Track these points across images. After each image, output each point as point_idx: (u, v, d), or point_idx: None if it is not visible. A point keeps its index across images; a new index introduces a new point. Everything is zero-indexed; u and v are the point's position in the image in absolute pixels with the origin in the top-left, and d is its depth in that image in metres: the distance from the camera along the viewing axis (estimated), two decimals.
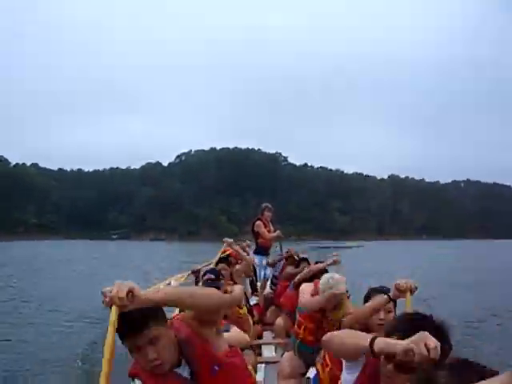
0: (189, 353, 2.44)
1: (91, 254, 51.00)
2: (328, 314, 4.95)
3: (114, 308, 1.98)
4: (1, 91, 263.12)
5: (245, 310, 5.81)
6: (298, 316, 5.32)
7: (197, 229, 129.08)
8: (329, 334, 2.62)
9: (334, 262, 6.77)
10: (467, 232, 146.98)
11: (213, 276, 5.29)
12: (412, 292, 3.28)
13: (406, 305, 3.18)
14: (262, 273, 9.88)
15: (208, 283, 4.90)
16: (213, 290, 2.51)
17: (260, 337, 7.43)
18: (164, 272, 29.26)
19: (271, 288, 9.32)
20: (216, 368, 2.45)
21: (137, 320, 2.20)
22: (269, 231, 10.03)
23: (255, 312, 7.72)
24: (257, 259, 9.93)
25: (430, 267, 32.42)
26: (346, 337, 2.44)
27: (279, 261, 9.51)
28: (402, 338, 2.00)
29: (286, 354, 5.50)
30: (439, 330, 2.20)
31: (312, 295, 5.13)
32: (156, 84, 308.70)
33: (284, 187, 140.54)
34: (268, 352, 6.69)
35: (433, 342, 1.86)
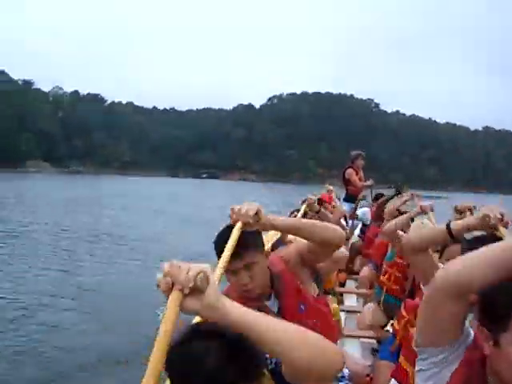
0: (279, 287, 2.49)
1: (186, 191, 53.80)
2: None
3: (239, 224, 2.10)
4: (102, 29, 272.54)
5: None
6: (384, 265, 5.16)
7: (286, 172, 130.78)
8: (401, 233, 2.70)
9: (423, 209, 6.46)
10: None
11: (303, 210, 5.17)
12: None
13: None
14: (350, 222, 9.53)
15: None
16: (329, 224, 2.55)
17: (343, 285, 7.35)
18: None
19: (359, 236, 9.09)
20: (302, 307, 2.50)
21: (238, 244, 2.17)
22: (360, 179, 9.94)
23: None
24: (346, 206, 9.75)
25: None
26: (422, 230, 2.56)
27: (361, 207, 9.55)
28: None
29: (369, 304, 5.39)
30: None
31: None
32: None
33: (374, 134, 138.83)
34: (349, 301, 6.59)
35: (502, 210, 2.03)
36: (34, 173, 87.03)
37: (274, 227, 2.35)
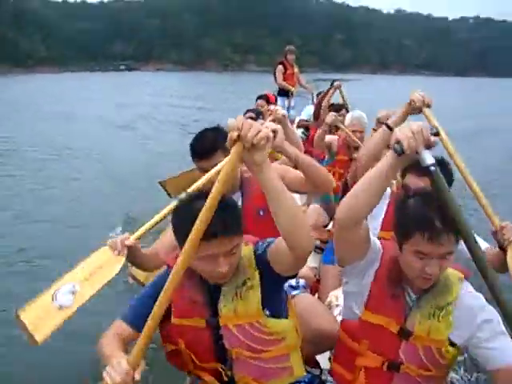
0: (246, 189, 2.81)
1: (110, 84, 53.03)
2: (356, 154, 4.90)
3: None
4: None
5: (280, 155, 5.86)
6: (327, 167, 4.99)
7: (202, 59, 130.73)
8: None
9: (336, 88, 7.13)
10: (469, 70, 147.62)
11: (253, 115, 5.35)
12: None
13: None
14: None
15: None
16: (328, 173, 2.74)
17: None
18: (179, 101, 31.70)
19: (304, 134, 8.90)
20: (261, 213, 2.72)
21: (208, 146, 2.46)
22: (291, 74, 10.10)
23: None
24: (279, 101, 9.86)
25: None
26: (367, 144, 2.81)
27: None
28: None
29: (313, 205, 5.46)
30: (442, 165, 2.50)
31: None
32: None
33: (288, 18, 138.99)
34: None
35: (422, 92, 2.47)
36: None
37: (286, 152, 2.46)
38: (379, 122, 3.53)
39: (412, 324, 2.19)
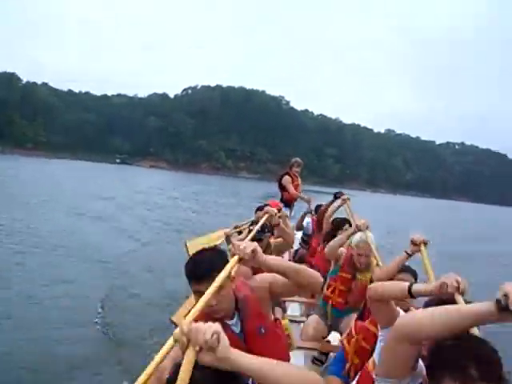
0: (243, 310, 2.66)
1: (103, 176, 54.32)
2: (358, 275, 5.06)
3: (236, 257, 2.29)
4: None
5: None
6: (328, 280, 5.29)
7: (196, 161, 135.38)
8: (372, 284, 2.85)
9: (344, 202, 6.82)
10: (453, 194, 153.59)
11: (261, 236, 5.26)
12: (426, 244, 3.40)
13: (422, 256, 3.26)
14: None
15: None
16: (315, 273, 2.66)
17: None
18: (180, 203, 31.76)
19: (300, 245, 9.21)
20: (262, 330, 2.66)
21: (205, 268, 2.41)
22: (297, 185, 9.98)
23: None
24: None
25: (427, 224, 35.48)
26: (388, 284, 2.70)
27: (304, 216, 9.69)
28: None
29: (312, 317, 5.48)
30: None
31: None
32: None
33: (282, 130, 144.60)
34: (292, 310, 6.68)
35: (461, 278, 2.21)
36: None
37: (267, 266, 2.46)
38: (412, 242, 3.50)
39: None
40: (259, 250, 2.33)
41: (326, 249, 5.33)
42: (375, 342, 3.08)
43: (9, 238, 14.25)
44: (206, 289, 2.15)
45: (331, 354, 4.67)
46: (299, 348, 4.81)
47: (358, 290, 4.96)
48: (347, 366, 3.70)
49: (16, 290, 9.78)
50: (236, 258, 2.28)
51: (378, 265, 4.55)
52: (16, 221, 17.32)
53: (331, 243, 5.19)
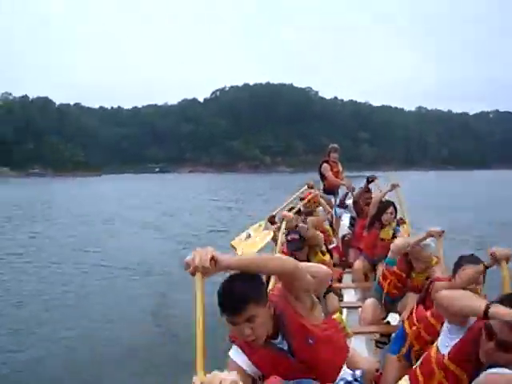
0: (285, 327, 2.51)
1: (150, 187, 55.02)
2: (413, 274, 4.97)
3: (198, 275, 1.99)
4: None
5: (327, 255, 6.11)
6: (384, 268, 5.26)
7: (233, 161, 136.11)
8: (444, 291, 2.76)
9: (393, 187, 6.94)
10: (493, 164, 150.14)
11: (297, 236, 5.45)
12: (508, 261, 3.04)
13: (502, 274, 2.97)
14: (334, 210, 9.49)
15: (291, 244, 5.43)
16: (287, 260, 2.44)
17: (340, 280, 7.25)
18: (217, 210, 30.55)
19: (350, 229, 8.92)
20: (310, 341, 2.53)
21: (238, 300, 2.23)
22: (337, 172, 9.80)
23: (335, 254, 7.57)
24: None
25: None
26: (462, 296, 2.58)
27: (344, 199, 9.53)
28: None
29: (369, 300, 5.42)
30: None
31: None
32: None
33: (315, 121, 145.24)
34: (348, 296, 6.61)
35: None
36: None
37: (233, 267, 2.20)
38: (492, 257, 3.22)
39: None
40: (217, 254, 2.05)
41: (391, 246, 5.14)
42: (436, 333, 3.12)
43: (84, 257, 15.17)
44: (240, 321, 2.25)
45: (393, 334, 4.55)
46: (360, 333, 4.89)
47: (413, 285, 4.89)
48: (406, 344, 3.69)
49: (85, 301, 10.49)
50: (198, 275, 2.00)
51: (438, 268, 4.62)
52: (91, 241, 18.21)
53: (399, 244, 4.97)
